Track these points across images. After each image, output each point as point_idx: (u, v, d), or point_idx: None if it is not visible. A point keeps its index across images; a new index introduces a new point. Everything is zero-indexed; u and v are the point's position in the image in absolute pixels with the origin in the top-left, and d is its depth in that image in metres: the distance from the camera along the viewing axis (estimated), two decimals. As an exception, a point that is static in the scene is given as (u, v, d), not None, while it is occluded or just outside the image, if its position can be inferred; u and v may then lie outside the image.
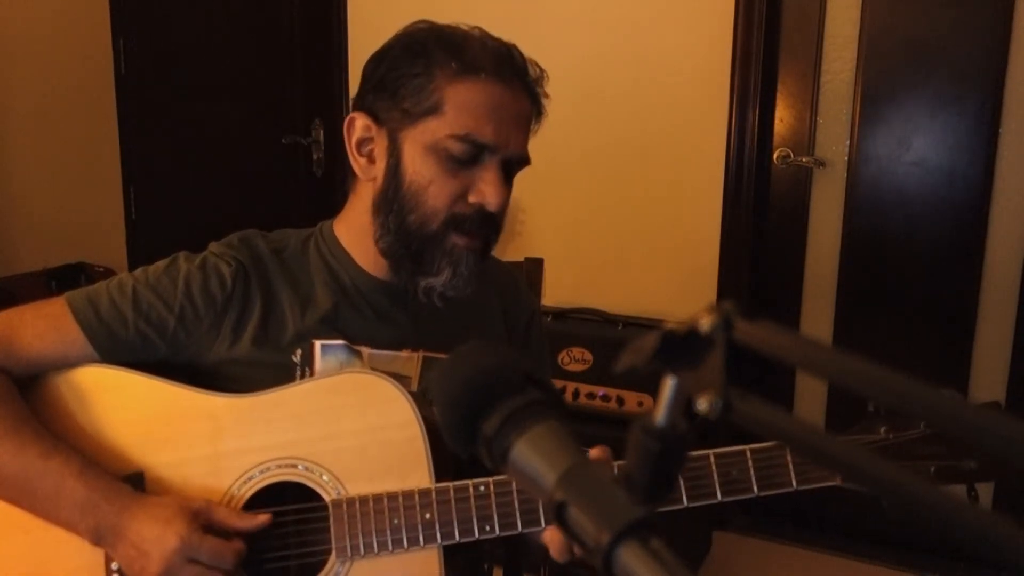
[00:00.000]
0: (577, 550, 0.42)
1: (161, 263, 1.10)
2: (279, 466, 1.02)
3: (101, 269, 3.12)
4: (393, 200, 1.05)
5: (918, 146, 2.42)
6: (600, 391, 2.34)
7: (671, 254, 2.64)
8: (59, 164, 3.28)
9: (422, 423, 1.01)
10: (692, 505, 0.99)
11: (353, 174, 1.11)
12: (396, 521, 0.98)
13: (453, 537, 0.98)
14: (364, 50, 1.11)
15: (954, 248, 2.42)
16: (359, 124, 1.08)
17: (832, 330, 2.58)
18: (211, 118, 3.36)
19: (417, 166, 1.03)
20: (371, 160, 1.08)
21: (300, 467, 1.01)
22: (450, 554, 1.00)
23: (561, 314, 2.55)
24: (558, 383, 2.36)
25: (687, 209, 2.61)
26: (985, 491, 2.32)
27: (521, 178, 1.10)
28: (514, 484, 0.98)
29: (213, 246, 1.12)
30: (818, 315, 2.60)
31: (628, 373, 0.41)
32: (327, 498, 1.00)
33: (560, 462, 0.45)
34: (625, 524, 0.39)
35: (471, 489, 0.99)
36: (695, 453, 0.99)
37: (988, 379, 2.43)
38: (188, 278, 1.07)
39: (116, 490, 0.98)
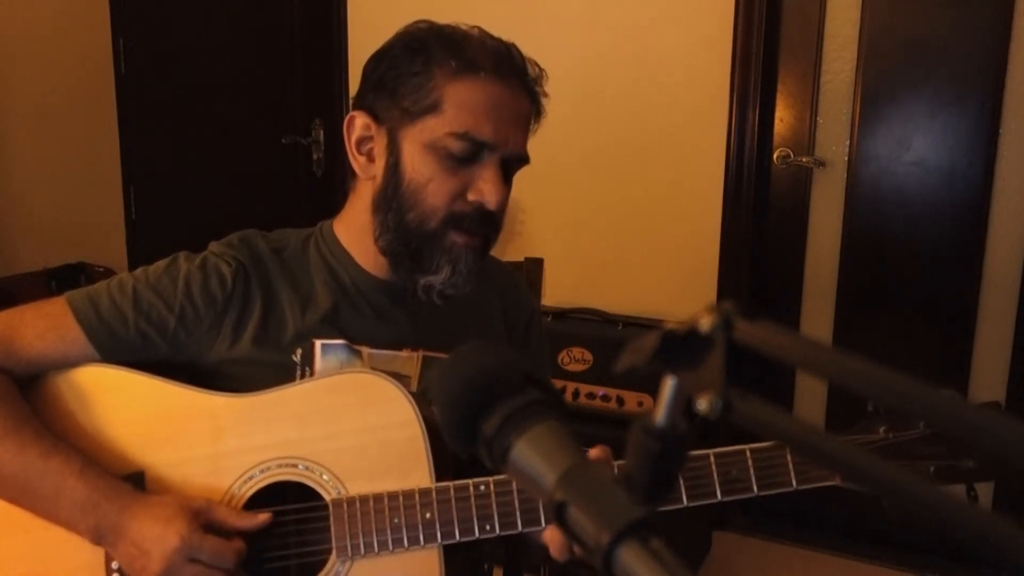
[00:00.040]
0: (577, 550, 0.42)
1: (161, 263, 1.10)
2: (279, 465, 1.02)
3: (101, 269, 3.12)
4: (392, 198, 1.05)
5: (918, 146, 2.42)
6: (600, 391, 2.34)
7: (671, 254, 2.64)
8: (59, 164, 3.28)
9: (422, 423, 1.01)
10: (692, 505, 0.99)
11: (353, 173, 1.11)
12: (396, 520, 0.98)
13: (453, 536, 0.98)
14: (364, 50, 1.11)
15: (954, 248, 2.42)
16: (359, 123, 1.08)
17: (832, 330, 2.58)
18: (211, 118, 3.36)
19: (416, 164, 1.04)
20: (371, 159, 1.08)
21: (300, 466, 1.01)
22: (450, 554, 1.00)
23: (561, 314, 2.55)
24: (558, 383, 2.36)
25: (687, 209, 2.61)
26: (985, 491, 2.32)
27: (521, 178, 1.10)
28: (514, 484, 0.98)
29: (213, 246, 1.12)
30: (818, 315, 2.60)
31: (628, 373, 0.41)
32: (327, 497, 1.00)
33: (560, 462, 0.45)
34: (625, 524, 0.39)
35: (471, 488, 0.99)
36: (695, 453, 0.99)
37: (988, 379, 2.43)
38: (188, 278, 1.07)
39: (117, 489, 0.98)
